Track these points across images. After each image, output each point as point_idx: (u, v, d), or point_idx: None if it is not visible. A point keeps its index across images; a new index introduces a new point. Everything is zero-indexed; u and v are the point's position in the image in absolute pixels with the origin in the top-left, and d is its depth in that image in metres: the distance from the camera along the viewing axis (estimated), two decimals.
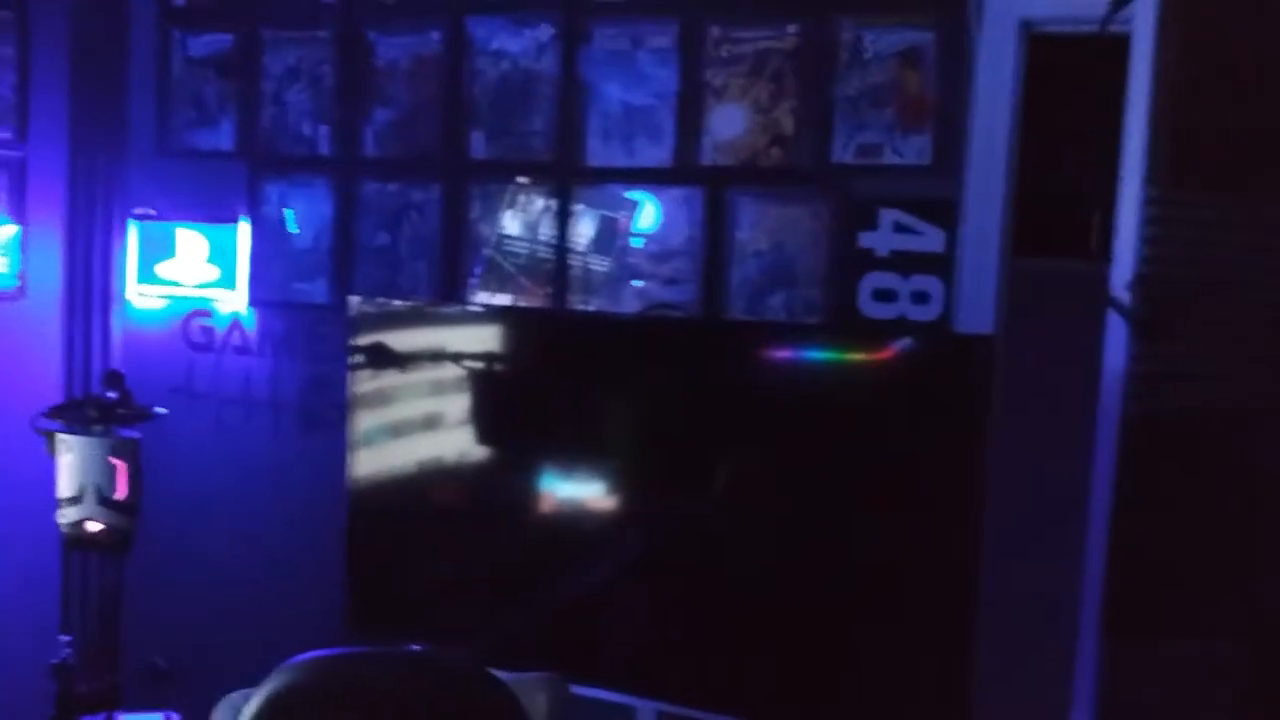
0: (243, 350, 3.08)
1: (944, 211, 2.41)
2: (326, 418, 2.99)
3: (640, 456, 2.20)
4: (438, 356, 2.31)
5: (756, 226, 2.57)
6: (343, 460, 2.96)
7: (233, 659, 3.09)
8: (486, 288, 2.80)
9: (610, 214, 2.69)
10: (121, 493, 2.42)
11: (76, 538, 2.42)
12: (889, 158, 2.46)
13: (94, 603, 2.59)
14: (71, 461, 2.44)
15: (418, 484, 2.33)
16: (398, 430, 2.35)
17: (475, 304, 2.74)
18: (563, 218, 2.73)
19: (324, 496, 2.97)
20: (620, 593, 2.18)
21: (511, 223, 2.78)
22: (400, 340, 2.33)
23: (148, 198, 3.12)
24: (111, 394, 2.55)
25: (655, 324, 2.46)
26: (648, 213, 2.65)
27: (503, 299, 2.77)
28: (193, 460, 3.07)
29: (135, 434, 2.57)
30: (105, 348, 3.16)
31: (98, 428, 2.49)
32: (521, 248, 2.77)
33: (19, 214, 2.95)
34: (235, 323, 3.09)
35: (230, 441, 3.07)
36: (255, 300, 3.05)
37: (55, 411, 2.55)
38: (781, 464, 2.08)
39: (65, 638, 2.47)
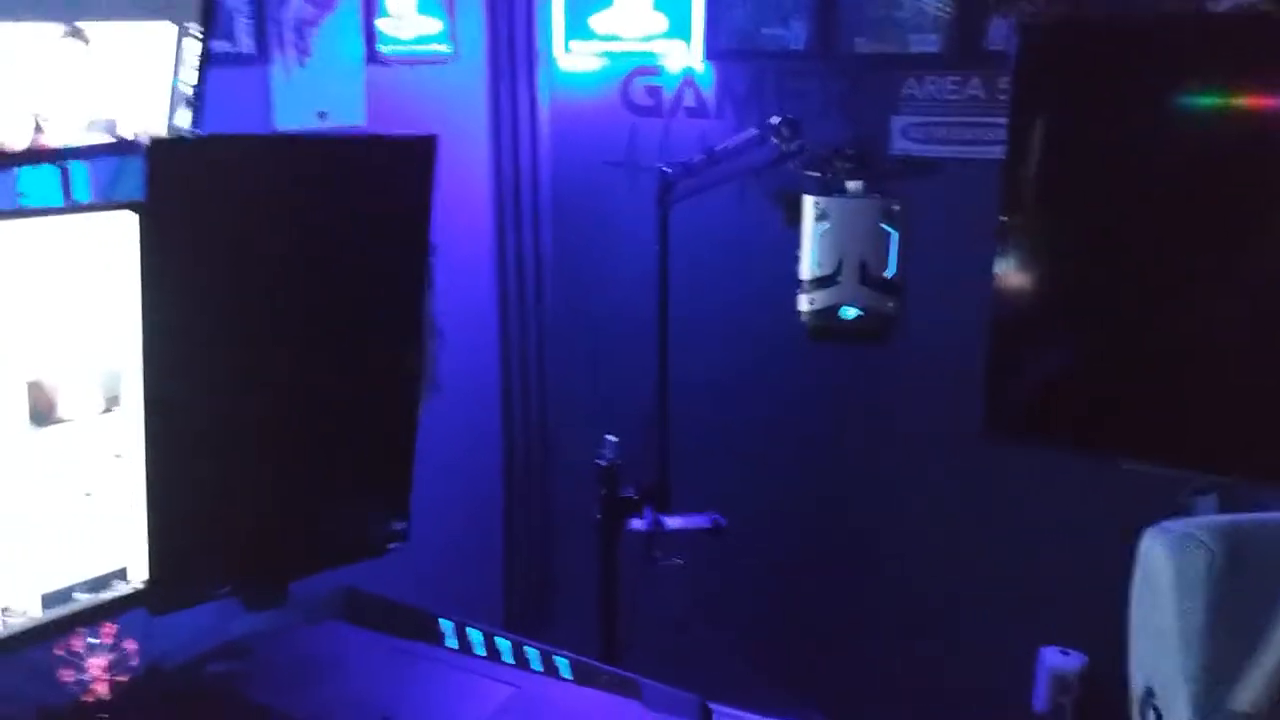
0: (697, 112, 2.68)
1: None
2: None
3: None
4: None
5: None
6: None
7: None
8: None
9: None
10: (891, 268, 1.99)
11: (823, 328, 1.99)
12: None
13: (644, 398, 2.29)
14: (827, 231, 2.01)
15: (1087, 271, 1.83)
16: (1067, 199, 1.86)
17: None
18: None
19: None
20: None
21: None
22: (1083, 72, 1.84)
23: None
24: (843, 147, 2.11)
25: None
26: None
27: None
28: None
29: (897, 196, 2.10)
30: (533, 116, 2.78)
31: (854, 185, 2.05)
32: None
33: None
34: (687, 80, 2.67)
35: None
36: (713, 52, 2.62)
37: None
38: None
39: (612, 438, 2.20)
